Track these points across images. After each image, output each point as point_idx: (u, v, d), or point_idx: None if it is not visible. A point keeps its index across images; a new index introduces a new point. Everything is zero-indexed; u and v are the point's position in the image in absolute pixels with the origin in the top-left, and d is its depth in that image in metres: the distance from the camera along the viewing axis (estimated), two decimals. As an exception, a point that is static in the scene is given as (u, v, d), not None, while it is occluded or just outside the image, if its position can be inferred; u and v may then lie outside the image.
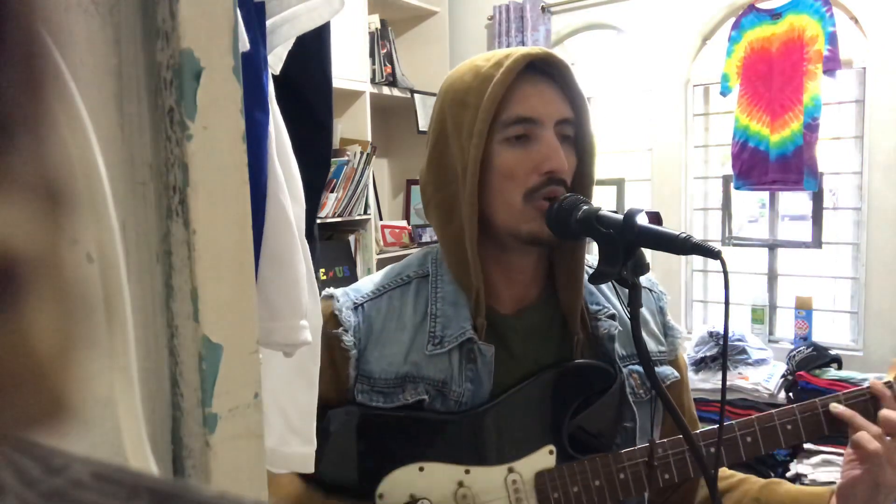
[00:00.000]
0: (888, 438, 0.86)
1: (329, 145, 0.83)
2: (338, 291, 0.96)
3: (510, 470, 0.88)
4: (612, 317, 0.95)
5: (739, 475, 1.00)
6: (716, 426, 0.92)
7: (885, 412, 0.88)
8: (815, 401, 0.92)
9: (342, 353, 0.91)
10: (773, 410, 0.93)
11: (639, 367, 0.95)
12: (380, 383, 0.91)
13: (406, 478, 0.88)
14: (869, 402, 0.91)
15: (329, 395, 0.91)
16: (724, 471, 1.02)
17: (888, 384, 0.92)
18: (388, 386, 0.90)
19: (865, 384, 0.93)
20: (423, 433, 0.89)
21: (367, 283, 1.00)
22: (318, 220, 0.86)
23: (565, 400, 0.91)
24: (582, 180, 0.92)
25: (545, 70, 0.90)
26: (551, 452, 0.89)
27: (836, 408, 0.90)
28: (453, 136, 0.90)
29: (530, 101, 0.88)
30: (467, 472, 0.88)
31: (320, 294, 0.96)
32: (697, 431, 0.93)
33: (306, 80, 0.75)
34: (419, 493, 0.87)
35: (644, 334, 0.96)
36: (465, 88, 0.89)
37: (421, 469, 0.88)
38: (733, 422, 0.92)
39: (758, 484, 0.97)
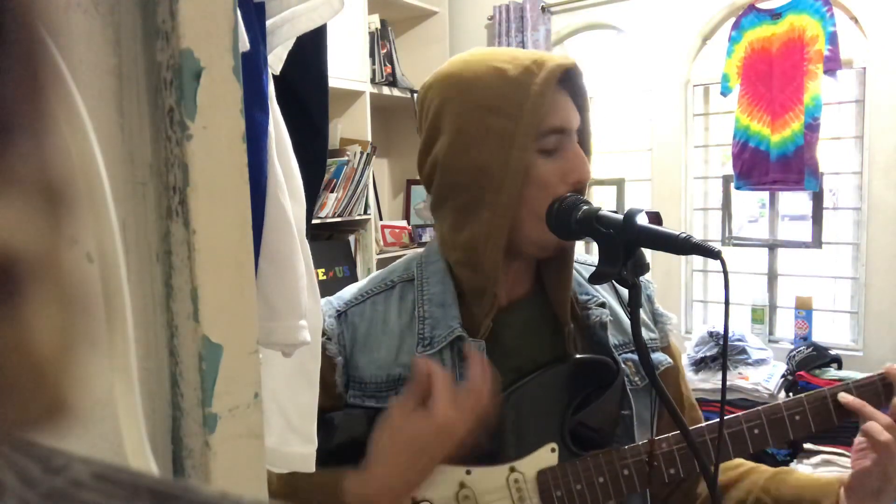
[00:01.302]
0: None
1: (325, 146, 0.83)
2: (321, 301, 0.96)
3: (512, 469, 0.88)
4: (602, 305, 0.96)
5: (749, 464, 0.99)
6: (716, 420, 0.92)
7: None
8: (824, 389, 0.90)
9: (328, 361, 0.91)
10: (780, 401, 0.91)
11: (633, 356, 0.95)
12: (371, 387, 0.91)
13: None
14: (881, 389, 0.89)
15: (320, 402, 0.91)
16: (733, 461, 1.01)
17: None
18: (380, 389, 0.91)
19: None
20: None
21: (351, 289, 1.00)
22: (318, 220, 0.86)
23: (566, 397, 0.91)
24: None
25: (565, 77, 0.90)
26: (553, 450, 0.89)
27: (845, 397, 0.89)
28: (480, 139, 0.87)
29: (562, 111, 0.88)
30: (468, 472, 0.88)
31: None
32: (703, 424, 0.92)
33: (302, 81, 0.75)
34: (420, 495, 0.87)
35: None
36: (494, 94, 0.87)
37: None
38: (739, 414, 0.91)
39: (767, 474, 0.96)
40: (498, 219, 0.87)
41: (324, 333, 0.92)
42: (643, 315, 1.00)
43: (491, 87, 0.88)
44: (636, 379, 0.94)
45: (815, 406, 0.90)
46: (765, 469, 0.98)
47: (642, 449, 0.89)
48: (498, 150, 0.86)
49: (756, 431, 0.90)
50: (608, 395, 0.91)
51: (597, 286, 0.98)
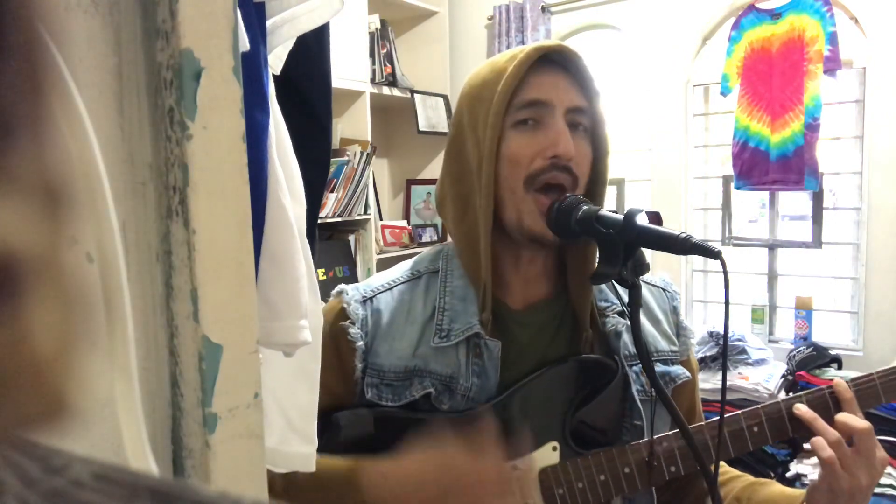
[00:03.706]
0: (847, 443, 0.85)
1: (329, 145, 0.83)
2: (348, 287, 0.98)
3: (514, 468, 0.88)
4: (621, 314, 0.95)
5: (733, 472, 1.00)
6: (714, 418, 0.92)
7: (840, 416, 0.87)
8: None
9: (348, 345, 0.92)
10: (740, 411, 0.91)
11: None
12: (389, 376, 0.92)
13: None
14: (830, 403, 0.89)
15: (337, 388, 0.92)
16: (721, 466, 1.01)
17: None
18: (398, 379, 0.91)
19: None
20: (427, 433, 0.90)
21: (379, 277, 1.01)
22: (319, 220, 0.87)
23: (567, 396, 0.91)
24: (595, 177, 0.93)
25: (559, 62, 0.91)
26: (555, 448, 0.89)
27: (799, 409, 0.89)
28: (469, 129, 0.91)
29: (542, 86, 0.89)
30: None
31: (333, 291, 0.98)
32: (702, 423, 0.92)
33: (306, 81, 0.75)
34: None
35: (656, 333, 0.97)
36: (481, 83, 0.91)
37: None
38: (739, 412, 0.91)
39: (743, 483, 0.97)
40: (483, 200, 0.89)
41: (347, 317, 0.93)
42: (665, 326, 1.00)
43: (480, 78, 0.92)
44: (651, 390, 0.94)
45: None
46: (745, 478, 0.98)
47: (643, 447, 0.90)
48: (482, 134, 0.89)
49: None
50: (607, 394, 0.91)
51: (619, 293, 0.98)
